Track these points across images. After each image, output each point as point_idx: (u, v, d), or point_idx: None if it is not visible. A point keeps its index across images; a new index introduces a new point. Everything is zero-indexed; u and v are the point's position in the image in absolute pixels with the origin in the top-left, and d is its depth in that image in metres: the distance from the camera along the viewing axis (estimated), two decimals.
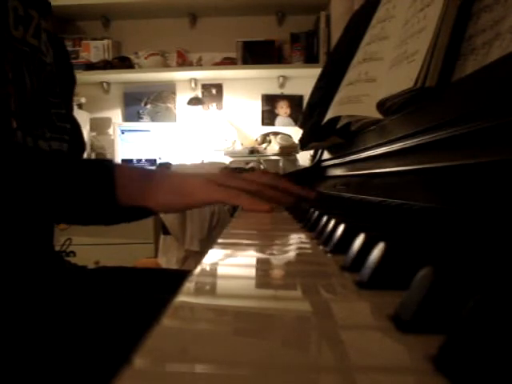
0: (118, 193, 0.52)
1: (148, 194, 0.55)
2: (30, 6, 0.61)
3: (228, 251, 0.36)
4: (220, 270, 0.29)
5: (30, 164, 0.51)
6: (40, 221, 0.64)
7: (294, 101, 2.73)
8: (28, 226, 0.61)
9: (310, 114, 0.95)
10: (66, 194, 0.52)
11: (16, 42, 0.57)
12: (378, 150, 0.59)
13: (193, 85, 2.74)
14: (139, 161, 2.59)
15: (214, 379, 0.13)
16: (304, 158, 2.32)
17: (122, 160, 2.57)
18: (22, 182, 0.50)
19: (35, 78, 0.61)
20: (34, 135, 0.60)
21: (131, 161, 2.58)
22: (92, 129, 2.73)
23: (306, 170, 1.19)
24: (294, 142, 2.45)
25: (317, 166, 1.07)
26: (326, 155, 1.01)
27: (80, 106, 2.64)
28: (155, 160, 2.56)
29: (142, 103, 2.80)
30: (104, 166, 0.54)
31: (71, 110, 0.78)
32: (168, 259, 2.08)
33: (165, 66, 2.65)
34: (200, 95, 2.74)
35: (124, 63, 2.62)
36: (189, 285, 0.23)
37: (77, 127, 0.78)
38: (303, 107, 2.40)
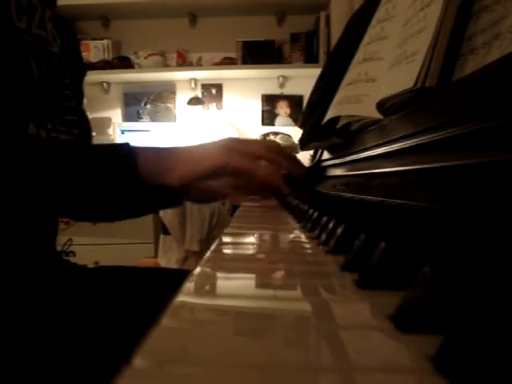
0: (141, 176, 0.53)
1: (168, 173, 0.56)
2: None
3: (228, 251, 0.36)
4: (220, 270, 0.29)
5: (51, 157, 0.51)
6: (65, 215, 0.64)
7: (294, 101, 2.73)
8: (33, 224, 0.61)
9: (310, 113, 0.95)
10: (90, 184, 0.52)
11: (20, 32, 0.57)
12: (377, 149, 0.59)
13: (193, 85, 2.74)
14: None
15: (213, 379, 0.13)
16: (304, 158, 2.30)
17: None
18: (42, 176, 0.49)
19: (43, 68, 0.60)
20: (47, 129, 0.59)
21: None
22: (92, 129, 2.72)
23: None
24: (293, 142, 2.45)
25: (317, 165, 1.07)
26: (325, 155, 1.01)
27: None
28: None
29: (141, 103, 2.80)
30: (126, 152, 0.54)
31: (81, 101, 0.77)
32: (168, 259, 2.08)
33: (165, 66, 2.64)
34: (200, 95, 2.74)
35: (124, 63, 2.62)
36: (189, 285, 0.23)
37: (85, 120, 0.78)
38: (303, 107, 2.40)
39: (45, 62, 0.61)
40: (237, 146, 0.59)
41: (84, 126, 0.75)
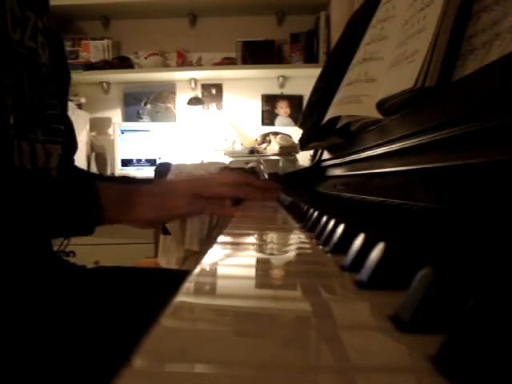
0: (103, 215, 0.55)
1: (131, 214, 0.58)
2: (27, 6, 0.59)
3: (228, 251, 0.36)
4: (220, 270, 0.29)
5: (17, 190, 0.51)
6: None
7: (294, 101, 2.73)
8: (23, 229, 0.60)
9: (310, 113, 0.95)
10: (51, 217, 0.53)
11: (14, 45, 0.55)
12: (377, 149, 0.59)
13: (193, 85, 2.73)
14: (139, 161, 2.58)
15: (213, 379, 0.13)
16: (304, 158, 2.32)
17: (122, 160, 2.56)
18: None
19: (33, 81, 0.59)
20: (29, 139, 0.58)
21: (131, 161, 2.58)
22: (92, 129, 2.72)
23: (305, 169, 1.19)
24: (293, 142, 2.44)
25: (317, 166, 1.07)
26: (325, 155, 1.01)
27: (80, 106, 2.64)
28: (155, 160, 2.56)
29: (141, 103, 2.80)
30: (88, 189, 0.55)
31: (66, 109, 0.76)
32: (168, 259, 2.08)
33: (165, 66, 2.64)
34: (200, 95, 2.74)
35: (124, 63, 2.62)
36: (188, 285, 0.23)
37: (70, 127, 0.77)
38: (303, 107, 2.40)
39: (35, 75, 0.60)
40: (198, 191, 0.62)
41: (68, 134, 0.75)
